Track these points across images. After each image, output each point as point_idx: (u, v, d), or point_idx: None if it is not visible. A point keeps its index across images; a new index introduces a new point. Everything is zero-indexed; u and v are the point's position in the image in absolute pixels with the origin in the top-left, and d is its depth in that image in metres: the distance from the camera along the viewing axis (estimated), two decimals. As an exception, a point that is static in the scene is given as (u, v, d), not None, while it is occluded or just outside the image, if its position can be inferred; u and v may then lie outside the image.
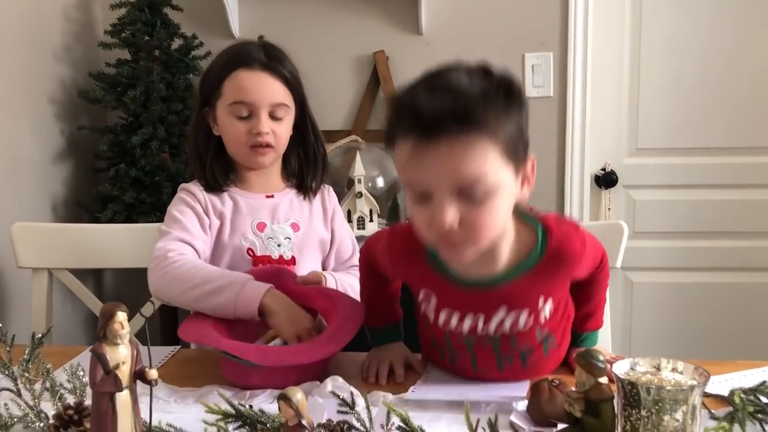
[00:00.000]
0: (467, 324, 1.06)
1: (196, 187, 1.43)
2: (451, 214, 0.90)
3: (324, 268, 1.48)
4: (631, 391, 0.77)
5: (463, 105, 0.87)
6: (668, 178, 2.44)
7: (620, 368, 0.81)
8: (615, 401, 0.79)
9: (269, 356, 1.11)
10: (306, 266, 1.42)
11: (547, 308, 1.05)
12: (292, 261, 1.42)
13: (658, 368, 0.82)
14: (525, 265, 1.01)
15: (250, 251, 1.40)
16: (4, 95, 2.06)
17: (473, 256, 0.95)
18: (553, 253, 1.00)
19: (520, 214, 1.01)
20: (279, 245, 1.41)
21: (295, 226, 1.43)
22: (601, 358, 0.77)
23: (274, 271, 1.34)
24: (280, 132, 1.39)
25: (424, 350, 1.21)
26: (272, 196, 1.45)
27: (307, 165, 1.48)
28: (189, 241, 1.35)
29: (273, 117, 1.38)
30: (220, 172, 1.43)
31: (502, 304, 1.03)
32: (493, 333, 1.06)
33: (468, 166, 0.88)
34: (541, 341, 1.09)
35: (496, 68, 0.92)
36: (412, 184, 0.93)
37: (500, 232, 0.97)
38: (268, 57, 1.38)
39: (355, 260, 1.47)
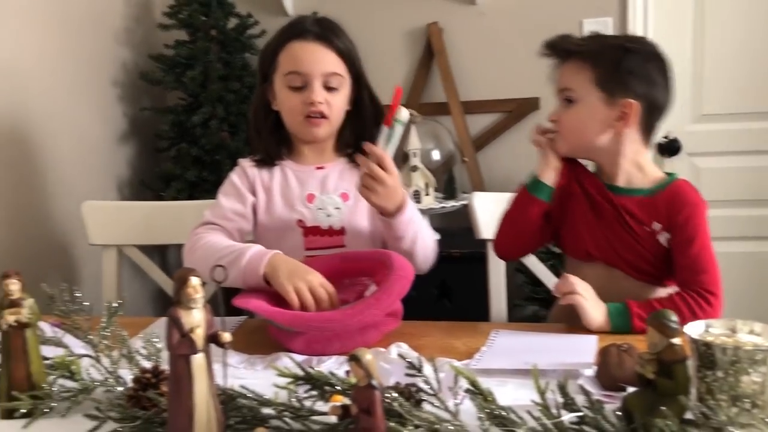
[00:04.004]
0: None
1: (247, 164, 1.47)
2: (555, 111, 1.33)
3: (376, 237, 1.47)
4: (706, 352, 0.75)
5: (577, 42, 1.32)
6: (734, 144, 2.35)
7: (694, 330, 0.79)
8: (689, 363, 0.77)
9: (298, 321, 1.13)
10: (357, 235, 1.43)
11: (662, 238, 1.28)
12: (342, 231, 1.43)
13: (734, 330, 0.81)
14: (647, 191, 1.31)
15: (300, 222, 1.42)
16: (70, 80, 2.13)
17: (563, 149, 1.33)
18: (671, 190, 1.29)
19: (667, 173, 1.35)
20: (328, 215, 1.42)
21: (344, 196, 1.44)
22: (674, 318, 0.76)
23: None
24: (334, 102, 1.40)
25: None
26: (322, 168, 1.46)
27: (365, 138, 1.48)
28: (219, 224, 1.40)
29: (327, 87, 1.39)
30: (275, 145, 1.46)
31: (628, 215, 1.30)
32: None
33: (565, 76, 1.31)
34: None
35: (637, 39, 1.42)
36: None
37: (586, 140, 1.31)
38: (322, 28, 1.40)
39: None
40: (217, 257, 1.29)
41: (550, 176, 1.34)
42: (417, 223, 1.37)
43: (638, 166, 1.32)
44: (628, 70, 1.26)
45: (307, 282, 1.21)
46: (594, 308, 1.20)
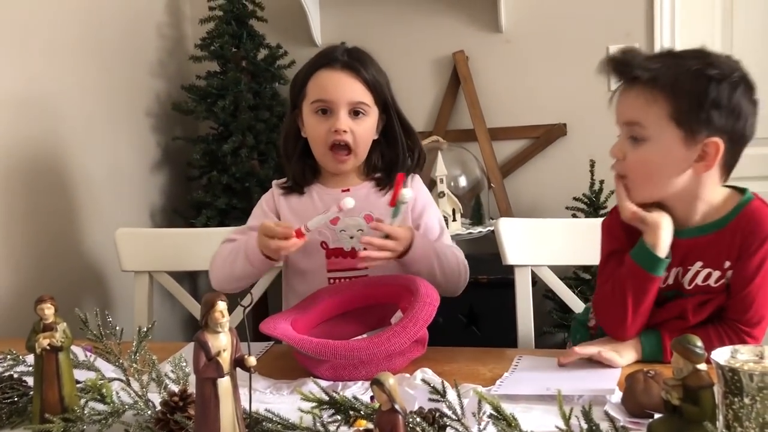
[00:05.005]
0: (671, 277, 1.17)
1: (276, 189, 1.52)
2: (620, 146, 1.13)
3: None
4: (732, 378, 0.74)
5: (648, 65, 1.09)
6: (765, 169, 2.32)
7: (720, 355, 0.78)
8: (715, 389, 0.76)
9: (323, 349, 1.13)
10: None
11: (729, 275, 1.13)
12: None
13: (761, 356, 0.79)
14: (718, 223, 1.13)
15: (323, 244, 1.44)
16: (105, 110, 2.19)
17: (638, 197, 1.14)
18: (745, 216, 1.11)
19: (740, 189, 1.16)
20: (351, 237, 1.44)
21: (368, 218, 1.45)
22: (699, 343, 0.75)
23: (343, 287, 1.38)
24: (359, 132, 1.42)
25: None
26: (348, 190, 1.48)
27: (396, 165, 1.49)
28: (236, 239, 1.46)
29: (353, 114, 1.41)
30: (302, 171, 1.49)
31: (698, 259, 1.14)
32: (688, 285, 1.16)
33: (633, 107, 1.10)
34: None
35: (719, 60, 1.10)
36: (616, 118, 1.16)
37: (659, 185, 1.12)
38: (351, 58, 1.42)
39: (445, 240, 1.49)
40: (231, 258, 1.40)
41: (663, 246, 1.12)
42: (432, 257, 1.38)
43: (713, 203, 1.14)
44: (713, 103, 1.06)
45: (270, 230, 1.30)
46: (620, 358, 1.15)
